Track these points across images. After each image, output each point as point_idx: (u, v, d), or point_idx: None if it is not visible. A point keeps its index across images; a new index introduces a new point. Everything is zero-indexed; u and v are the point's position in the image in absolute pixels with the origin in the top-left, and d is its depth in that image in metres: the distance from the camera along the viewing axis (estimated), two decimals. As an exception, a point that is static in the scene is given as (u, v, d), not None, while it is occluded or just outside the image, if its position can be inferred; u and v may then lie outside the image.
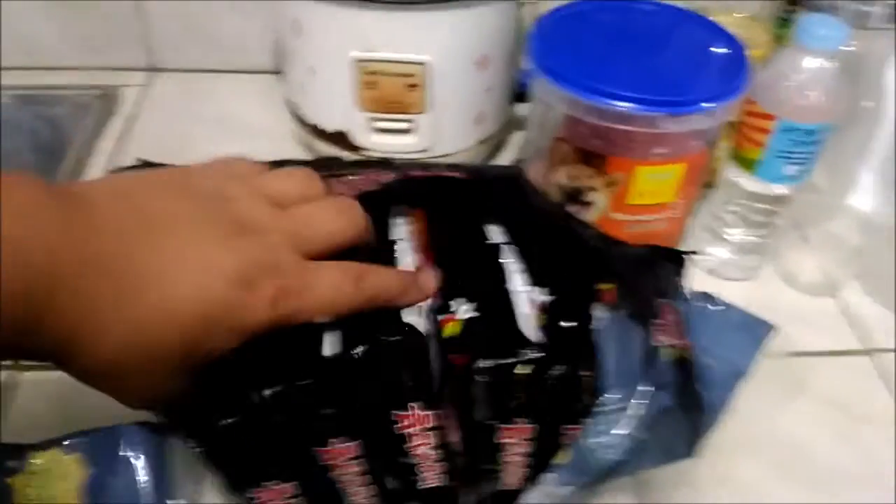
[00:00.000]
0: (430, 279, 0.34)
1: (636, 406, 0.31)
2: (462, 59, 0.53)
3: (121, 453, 0.33)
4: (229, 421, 0.29)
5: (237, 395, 0.30)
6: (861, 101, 0.55)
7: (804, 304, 0.54)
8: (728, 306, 0.33)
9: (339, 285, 0.31)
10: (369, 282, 0.32)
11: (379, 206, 0.36)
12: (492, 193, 0.39)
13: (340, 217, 0.33)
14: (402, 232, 0.37)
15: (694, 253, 0.33)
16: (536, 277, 0.34)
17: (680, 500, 0.41)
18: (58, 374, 0.27)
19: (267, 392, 0.29)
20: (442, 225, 0.37)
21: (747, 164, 0.49)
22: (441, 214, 0.38)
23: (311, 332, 0.31)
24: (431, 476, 0.34)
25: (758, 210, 0.51)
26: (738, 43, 0.49)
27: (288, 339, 0.30)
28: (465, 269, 0.35)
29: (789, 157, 0.48)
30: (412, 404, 0.31)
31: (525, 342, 0.31)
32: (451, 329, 0.32)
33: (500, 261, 0.35)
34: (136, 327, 0.26)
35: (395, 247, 0.36)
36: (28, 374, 0.45)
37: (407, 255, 0.36)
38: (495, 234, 0.37)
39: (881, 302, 0.54)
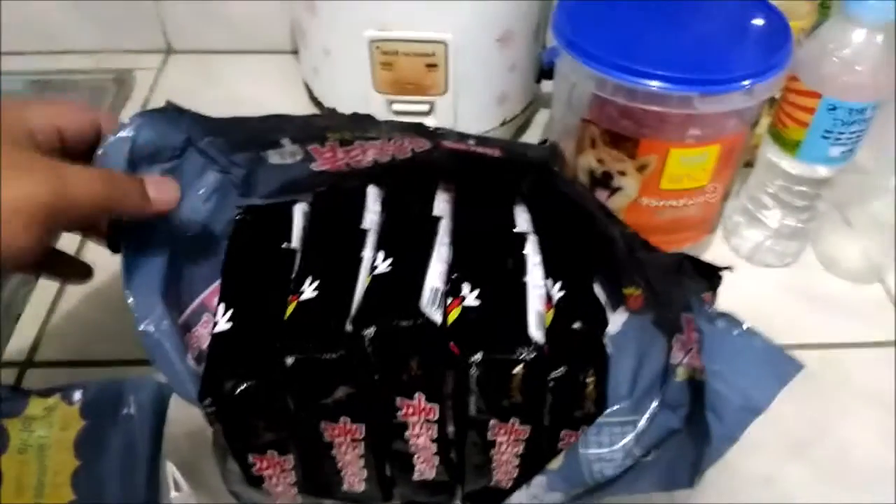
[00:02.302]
0: (170, 189, 0.32)
1: (643, 423, 0.29)
2: (484, 37, 0.51)
3: (123, 409, 0.33)
4: (246, 385, 0.29)
5: (257, 360, 0.30)
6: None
7: (847, 291, 0.51)
8: (754, 334, 0.30)
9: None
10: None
11: (412, 176, 0.35)
12: (524, 176, 0.37)
13: None
14: (444, 208, 0.36)
15: (728, 269, 0.30)
16: (554, 272, 0.33)
17: (717, 500, 0.39)
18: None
19: (289, 359, 0.29)
20: (470, 204, 0.36)
21: (789, 145, 0.46)
22: (471, 193, 0.36)
23: (333, 307, 0.30)
24: (427, 468, 0.33)
25: (799, 193, 0.48)
26: (779, 14, 0.46)
27: (310, 313, 0.30)
28: (483, 254, 0.34)
29: (835, 138, 0.45)
30: (417, 393, 0.30)
31: (524, 340, 0.30)
32: (453, 315, 0.31)
33: (523, 252, 0.34)
34: None
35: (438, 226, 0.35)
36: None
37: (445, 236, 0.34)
38: (522, 220, 0.36)
39: (929, 288, 0.51)
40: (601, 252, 0.33)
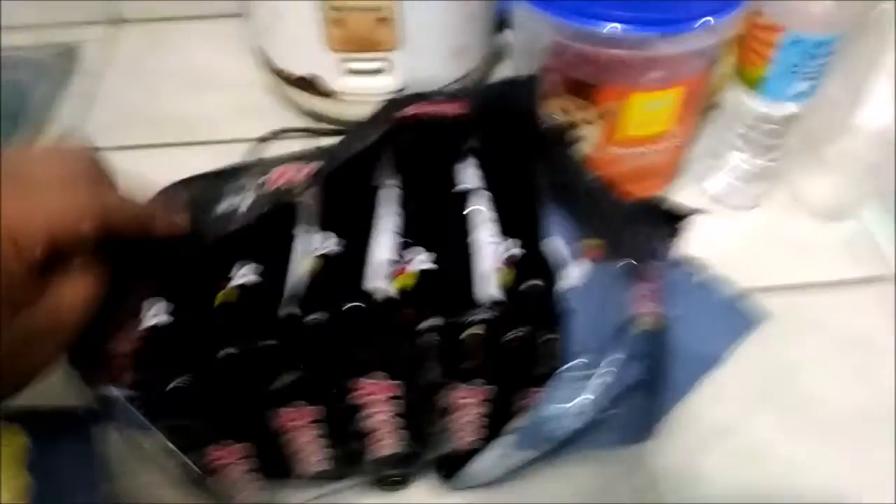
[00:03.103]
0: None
1: (605, 374, 0.28)
2: (437, -14, 0.49)
3: (61, 435, 0.31)
4: (179, 382, 0.28)
5: (189, 356, 0.28)
6: (874, 7, 0.51)
7: (817, 229, 0.50)
8: (716, 282, 0.29)
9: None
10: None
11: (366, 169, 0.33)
12: (473, 131, 0.35)
13: None
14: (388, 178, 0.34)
15: (692, 213, 0.29)
16: (510, 229, 0.31)
17: (681, 452, 0.38)
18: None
19: (221, 353, 0.28)
20: (413, 170, 0.34)
21: (753, 82, 0.45)
22: (413, 159, 0.35)
23: (267, 293, 0.29)
24: (388, 444, 0.32)
25: (765, 131, 0.47)
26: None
27: (245, 301, 0.28)
28: (433, 218, 0.32)
29: (799, 73, 0.44)
30: (375, 370, 0.29)
31: (482, 300, 0.29)
32: (402, 281, 0.29)
33: (474, 210, 0.32)
34: None
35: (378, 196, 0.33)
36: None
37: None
38: (471, 178, 0.34)
39: (900, 222, 0.51)
40: (562, 202, 0.32)
